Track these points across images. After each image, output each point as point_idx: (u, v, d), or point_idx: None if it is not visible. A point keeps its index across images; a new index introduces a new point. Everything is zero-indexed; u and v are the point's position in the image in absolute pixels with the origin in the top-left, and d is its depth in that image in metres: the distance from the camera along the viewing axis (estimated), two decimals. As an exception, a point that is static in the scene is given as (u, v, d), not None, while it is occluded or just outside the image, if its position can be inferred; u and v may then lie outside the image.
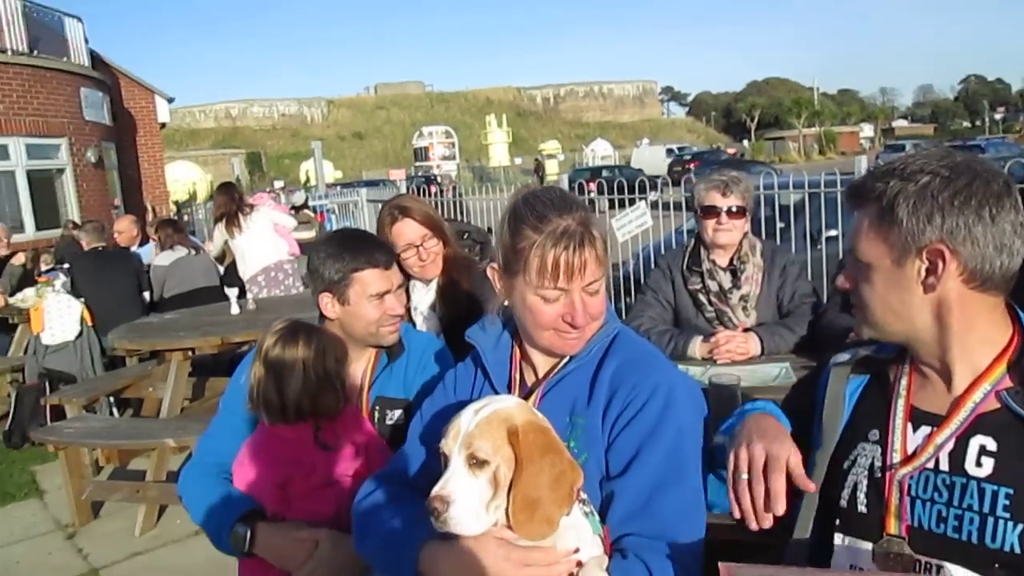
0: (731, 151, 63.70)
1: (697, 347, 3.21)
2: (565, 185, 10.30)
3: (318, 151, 22.99)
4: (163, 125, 21.28)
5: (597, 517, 1.55)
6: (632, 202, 9.09)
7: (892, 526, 1.48)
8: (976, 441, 1.45)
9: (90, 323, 7.23)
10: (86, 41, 17.52)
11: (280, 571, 2.15)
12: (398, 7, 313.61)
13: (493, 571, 1.45)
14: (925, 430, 1.50)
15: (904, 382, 1.57)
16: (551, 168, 52.37)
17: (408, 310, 3.17)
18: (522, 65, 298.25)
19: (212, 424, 2.52)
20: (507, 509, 1.44)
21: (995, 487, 1.41)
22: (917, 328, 1.49)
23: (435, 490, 1.44)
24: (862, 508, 1.52)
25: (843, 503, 1.55)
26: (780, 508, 1.47)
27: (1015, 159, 7.65)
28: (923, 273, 1.45)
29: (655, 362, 1.71)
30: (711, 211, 3.31)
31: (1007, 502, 1.40)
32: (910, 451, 1.50)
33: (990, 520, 1.40)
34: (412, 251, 3.05)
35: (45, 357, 7.08)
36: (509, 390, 1.77)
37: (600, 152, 62.08)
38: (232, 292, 6.64)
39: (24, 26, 14.86)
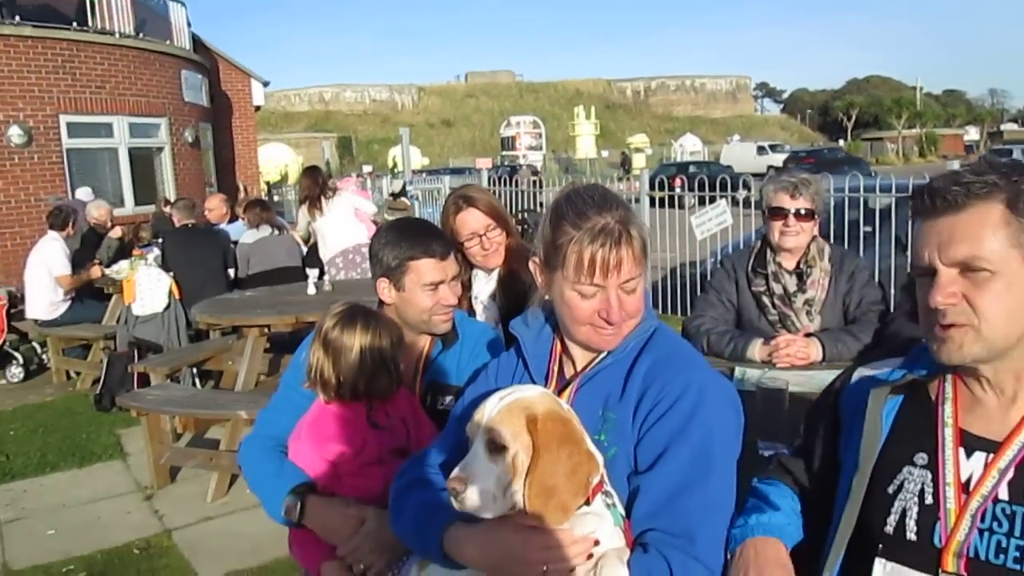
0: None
1: (757, 349, 3.18)
2: (646, 181, 10.20)
3: (406, 137, 23.32)
4: (258, 108, 21.94)
5: (620, 510, 1.58)
6: (714, 199, 8.99)
7: (950, 564, 1.43)
8: None
9: (178, 296, 7.56)
10: (188, 25, 18.18)
11: (327, 543, 2.24)
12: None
13: (513, 552, 1.50)
14: (980, 456, 1.46)
15: (949, 404, 1.52)
16: (638, 162, 51.89)
17: (469, 298, 3.23)
18: (613, 57, 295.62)
19: (273, 399, 2.63)
20: (524, 494, 1.48)
21: None
22: None
23: (455, 472, 1.50)
24: (911, 535, 1.48)
25: (889, 529, 1.51)
26: None
27: None
28: None
29: (689, 361, 1.72)
30: (779, 213, 3.27)
31: None
32: (964, 478, 1.46)
33: None
34: (476, 240, 3.11)
35: (135, 327, 7.44)
36: (547, 382, 1.81)
37: (689, 147, 61.15)
38: (312, 273, 6.83)
39: (132, 10, 15.53)
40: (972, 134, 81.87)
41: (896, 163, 60.14)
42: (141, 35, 15.61)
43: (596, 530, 1.53)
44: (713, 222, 8.75)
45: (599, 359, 1.76)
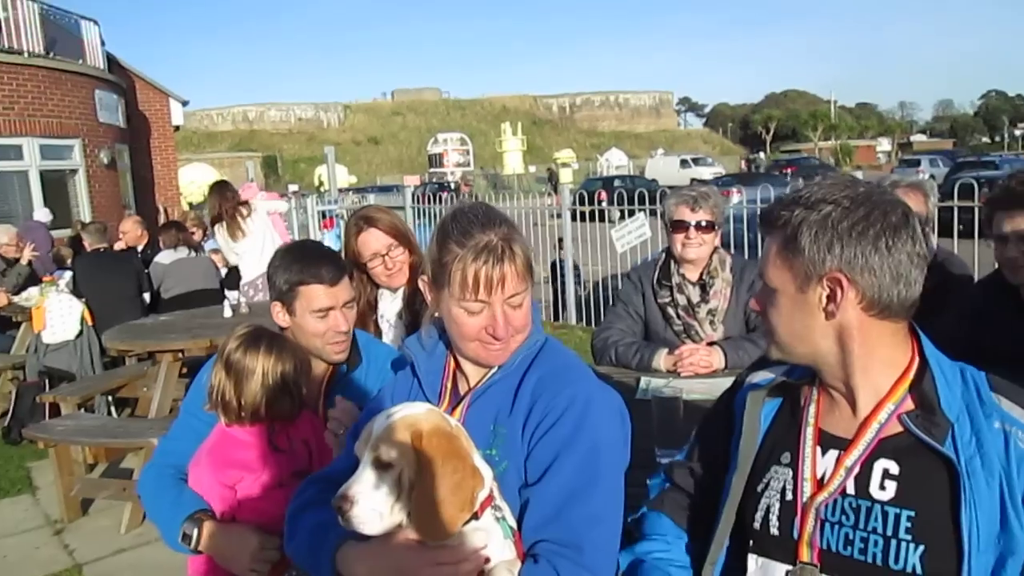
0: (745, 164, 63.62)
1: (662, 359, 3.25)
2: (567, 196, 10.32)
3: (331, 156, 23.09)
4: (177, 128, 21.51)
5: (509, 522, 1.60)
6: (632, 213, 9.15)
7: (804, 554, 1.52)
8: (880, 465, 1.49)
9: (90, 322, 7.34)
10: (102, 43, 17.75)
11: (225, 570, 2.22)
12: (416, 13, 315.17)
13: (403, 569, 1.51)
14: (833, 454, 1.54)
15: (813, 406, 1.61)
16: (565, 177, 52.36)
17: (375, 318, 3.24)
18: (538, 73, 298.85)
19: (173, 425, 2.59)
20: (410, 511, 1.49)
21: (898, 510, 1.46)
22: (821, 352, 1.54)
23: (341, 490, 1.50)
24: (774, 531, 1.57)
25: (756, 525, 1.59)
26: None
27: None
28: (824, 300, 1.49)
29: (575, 373, 1.75)
30: (680, 225, 3.36)
31: (909, 524, 1.44)
32: (819, 474, 1.54)
33: (893, 542, 1.45)
34: (378, 260, 3.12)
35: (46, 355, 7.19)
36: (440, 399, 1.82)
37: (615, 162, 62.08)
38: (231, 295, 6.72)
39: (41, 28, 15.09)
40: (884, 145, 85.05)
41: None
42: (52, 54, 15.18)
43: (486, 544, 1.54)
44: (633, 235, 8.91)
45: (490, 375, 1.78)
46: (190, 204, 27.37)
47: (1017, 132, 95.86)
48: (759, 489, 1.61)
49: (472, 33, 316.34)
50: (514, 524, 1.62)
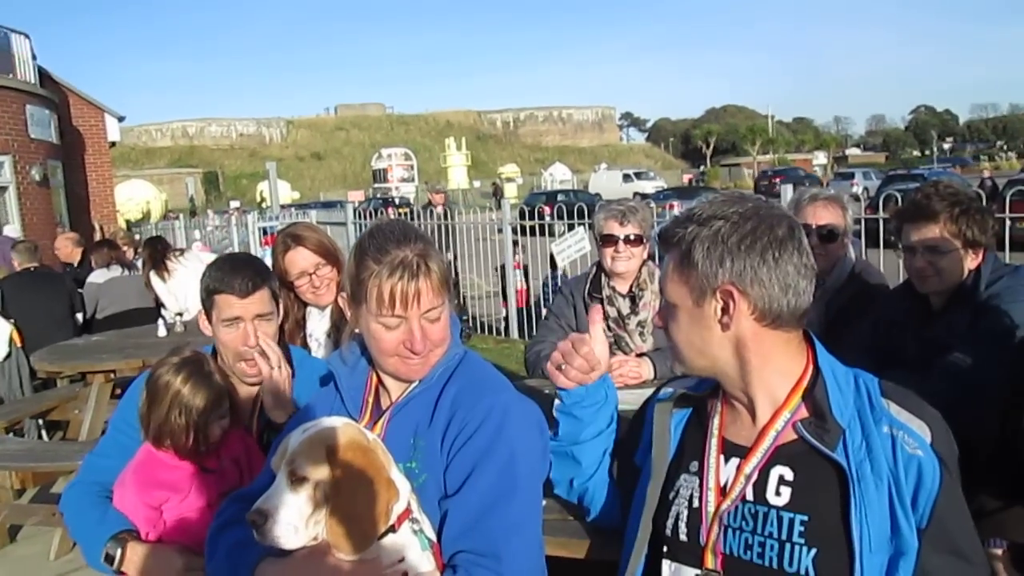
0: (687, 177, 64.66)
1: (593, 371, 3.30)
2: (507, 211, 10.38)
3: (273, 171, 22.86)
4: (113, 143, 21.05)
5: (429, 534, 1.62)
6: (571, 228, 9.24)
7: (709, 560, 1.58)
8: (776, 471, 1.56)
9: (19, 344, 7.15)
10: (34, 58, 17.34)
11: (150, 592, 2.19)
12: (360, 28, 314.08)
13: None
14: (735, 462, 1.61)
15: (717, 416, 1.67)
16: (510, 191, 52.66)
17: (304, 336, 3.23)
18: (482, 89, 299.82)
19: (100, 442, 2.56)
20: (325, 525, 1.51)
21: (792, 515, 1.52)
22: (720, 364, 1.60)
23: (256, 504, 1.51)
24: (683, 537, 1.62)
25: (668, 532, 1.65)
26: None
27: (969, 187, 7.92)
28: (719, 312, 1.56)
29: (493, 385, 1.79)
30: (609, 239, 3.42)
31: (802, 528, 1.51)
32: (722, 482, 1.60)
33: (788, 546, 1.51)
34: (305, 279, 3.13)
35: (-28, 378, 6.98)
36: (361, 414, 1.84)
37: (559, 176, 62.54)
38: (167, 313, 6.60)
39: (-33, 42, 14.71)
40: (820, 159, 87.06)
41: (752, 187, 63.17)
42: (-21, 69, 14.79)
43: (403, 557, 1.56)
44: (572, 248, 8.99)
45: (410, 389, 1.81)
46: (128, 221, 26.84)
47: (945, 146, 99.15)
48: (670, 497, 1.66)
49: (416, 48, 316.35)
50: (433, 536, 1.65)
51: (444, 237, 10.61)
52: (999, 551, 2.08)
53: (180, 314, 7.37)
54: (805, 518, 1.51)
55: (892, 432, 1.53)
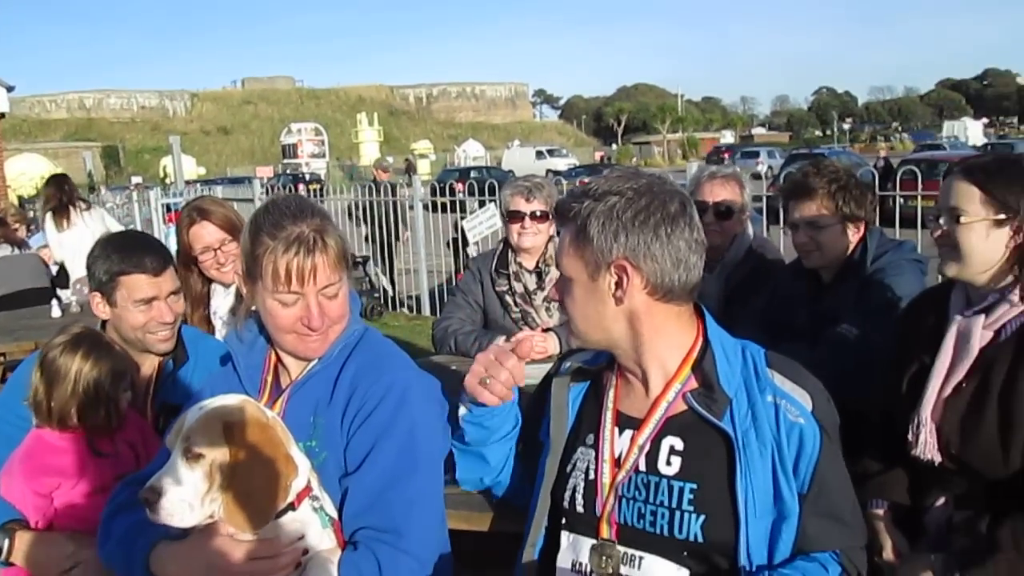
0: (599, 155, 65.35)
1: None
2: (419, 188, 10.31)
3: (176, 146, 22.17)
4: (2, 115, 19.99)
5: (328, 512, 1.62)
6: (483, 204, 9.25)
7: (605, 530, 1.62)
8: (667, 442, 1.62)
9: (-101, 328, 6.75)
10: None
11: (41, 580, 2.12)
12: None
13: (218, 565, 1.49)
14: (628, 434, 1.65)
15: (612, 389, 1.71)
16: (423, 168, 52.23)
17: (207, 314, 3.16)
18: (395, 63, 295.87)
19: (-20, 433, 2.44)
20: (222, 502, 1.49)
21: (682, 483, 1.59)
22: (614, 336, 1.64)
23: (149, 482, 1.48)
24: (580, 509, 1.66)
25: (566, 504, 1.69)
26: None
27: (860, 167, 8.28)
28: (613, 286, 1.60)
29: (392, 362, 1.79)
30: (516, 215, 3.44)
31: (691, 496, 1.57)
32: (616, 454, 1.65)
33: (678, 514, 1.57)
34: (209, 254, 3.05)
35: None
36: (260, 393, 1.81)
37: (472, 153, 62.42)
38: (64, 293, 6.32)
39: None
40: (728, 137, 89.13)
41: (662, 165, 64.36)
42: None
43: (303, 535, 1.56)
44: (484, 225, 9.00)
45: (310, 367, 1.79)
46: (20, 198, 25.58)
47: (845, 126, 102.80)
48: (568, 470, 1.70)
49: (326, 21, 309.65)
50: (334, 514, 1.64)
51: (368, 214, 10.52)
52: (880, 511, 2.19)
53: (78, 283, 7.05)
54: (694, 486, 1.57)
55: (776, 401, 1.60)
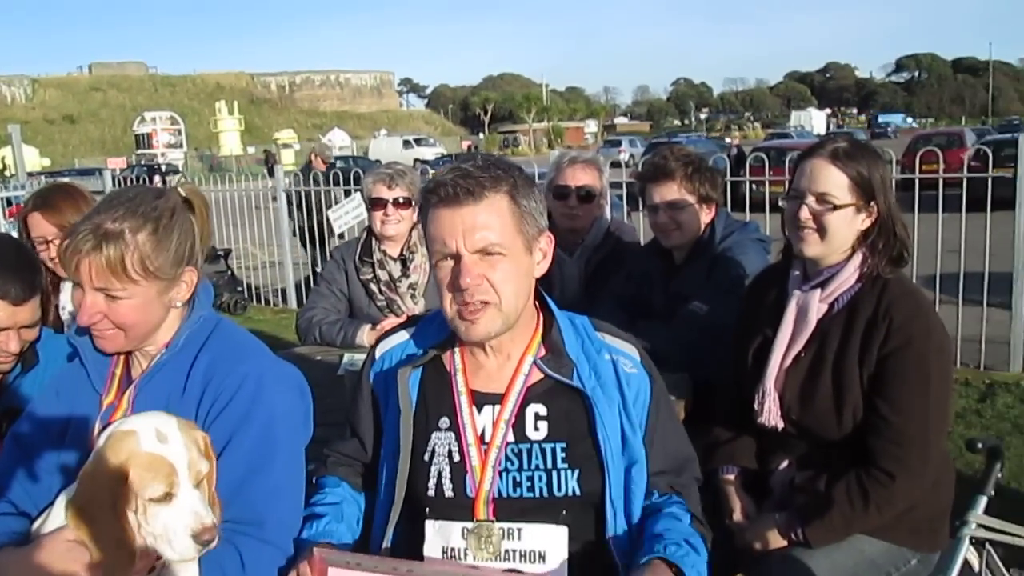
0: (466, 144, 65.53)
1: (365, 335, 3.29)
2: (282, 179, 10.05)
3: (16, 135, 20.69)
4: None
5: None
6: (348, 194, 9.11)
7: (481, 511, 1.63)
8: (531, 409, 1.67)
9: None
10: None
11: None
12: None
13: (61, 573, 1.43)
14: (489, 409, 1.68)
15: (460, 370, 1.72)
16: (287, 158, 50.90)
17: (56, 308, 2.99)
18: (255, 50, 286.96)
19: None
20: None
21: (552, 444, 1.65)
22: (523, 310, 1.69)
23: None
24: (449, 494, 1.65)
25: (431, 493, 1.67)
26: None
27: (714, 153, 8.65)
28: (540, 257, 1.70)
29: (247, 352, 1.75)
30: (378, 203, 3.42)
31: (563, 455, 1.64)
32: (479, 432, 1.67)
33: (554, 473, 1.63)
34: (44, 246, 2.91)
35: None
36: (107, 386, 1.74)
37: (337, 142, 61.24)
38: None
39: None
40: (592, 127, 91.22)
41: (529, 154, 65.16)
42: None
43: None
44: (350, 215, 8.83)
45: (157, 357, 1.72)
46: None
47: (702, 116, 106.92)
48: (426, 458, 1.68)
49: (180, 3, 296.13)
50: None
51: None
52: (731, 476, 2.32)
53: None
54: (564, 445, 1.64)
55: (612, 357, 1.73)
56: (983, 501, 1.89)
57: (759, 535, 2.14)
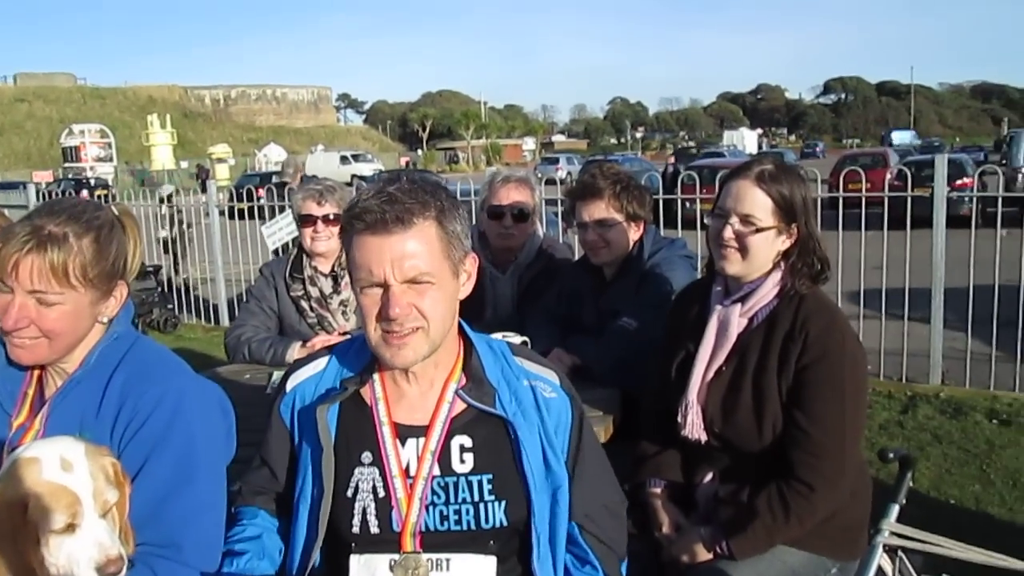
0: (404, 160, 65.36)
1: (295, 352, 3.24)
2: (214, 194, 9.89)
3: (-67, 148, 20.04)
4: None
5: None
6: (282, 210, 9.00)
7: (408, 543, 1.60)
8: (456, 441, 1.65)
9: None
10: None
11: None
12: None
13: None
14: (413, 442, 1.65)
15: (382, 401, 1.68)
16: (221, 172, 50.11)
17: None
18: (188, 63, 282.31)
19: None
20: None
21: (479, 477, 1.63)
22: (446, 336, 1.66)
23: None
24: (375, 529, 1.62)
25: (356, 529, 1.62)
26: None
27: (648, 172, 8.80)
28: (464, 281, 1.68)
29: (165, 370, 1.71)
30: (308, 219, 3.39)
31: (490, 486, 1.63)
32: (404, 466, 1.63)
33: (482, 506, 1.62)
34: None
35: None
36: (18, 405, 1.69)
37: (274, 157, 60.29)
38: None
39: None
40: (530, 144, 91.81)
41: (468, 170, 65.19)
42: None
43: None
44: (284, 231, 8.73)
45: (71, 375, 1.68)
46: None
47: (638, 135, 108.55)
48: (349, 495, 1.63)
49: (110, 14, 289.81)
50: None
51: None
52: (658, 490, 2.35)
53: None
54: (490, 476, 1.62)
55: (531, 383, 1.71)
56: (895, 509, 1.95)
57: (685, 548, 2.17)
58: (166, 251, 10.13)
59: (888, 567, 2.02)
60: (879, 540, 1.90)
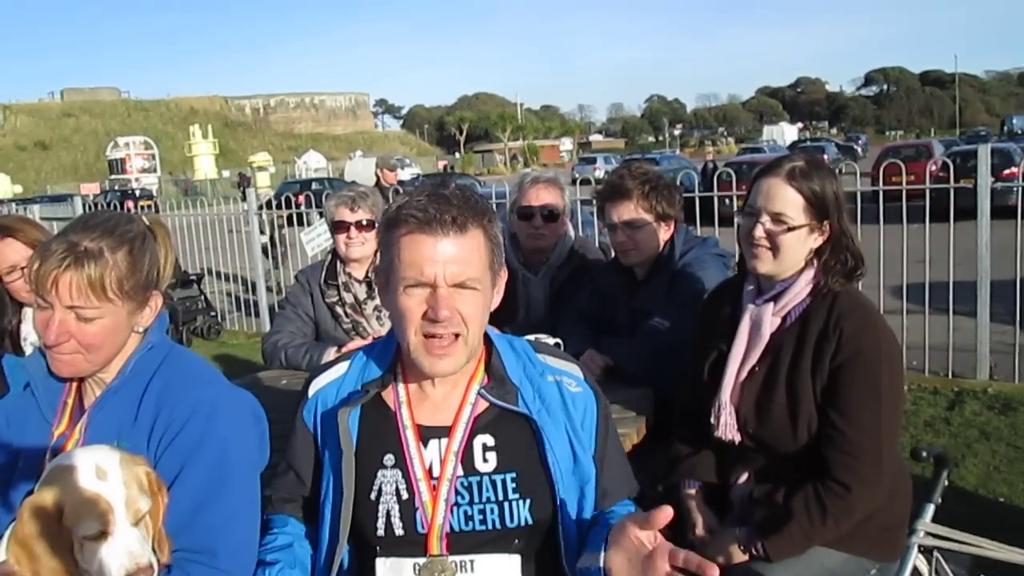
0: (442, 164, 65.64)
1: (330, 356, 3.27)
2: (253, 203, 10.02)
3: (-15, 163, 20.61)
4: None
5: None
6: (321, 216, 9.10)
7: (434, 546, 1.61)
8: (479, 441, 1.65)
9: None
10: None
11: None
12: (85, 5, 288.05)
13: None
14: (435, 443, 1.65)
15: (405, 404, 1.69)
16: (262, 181, 50.77)
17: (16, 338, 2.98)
18: (228, 74, 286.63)
19: None
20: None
21: (502, 476, 1.63)
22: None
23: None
24: (399, 532, 1.62)
25: (380, 532, 1.63)
26: None
27: (685, 169, 8.75)
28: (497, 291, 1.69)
29: (200, 379, 1.74)
30: (341, 226, 3.42)
31: (514, 484, 1.63)
32: (427, 467, 1.64)
33: (506, 504, 1.62)
34: (18, 274, 2.91)
35: None
36: (58, 415, 1.73)
37: (313, 164, 61.23)
38: None
39: None
40: (567, 145, 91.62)
41: (505, 172, 65.40)
42: None
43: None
44: (322, 238, 8.83)
45: (108, 384, 1.71)
46: None
47: (676, 132, 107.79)
48: (372, 497, 1.64)
49: (153, 28, 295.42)
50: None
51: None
52: (693, 491, 2.33)
53: None
54: (513, 474, 1.62)
55: (556, 379, 1.72)
56: (931, 509, 1.91)
57: (721, 550, 2.14)
58: (265, 255, 10.31)
59: (924, 568, 1.98)
60: (914, 540, 1.87)
